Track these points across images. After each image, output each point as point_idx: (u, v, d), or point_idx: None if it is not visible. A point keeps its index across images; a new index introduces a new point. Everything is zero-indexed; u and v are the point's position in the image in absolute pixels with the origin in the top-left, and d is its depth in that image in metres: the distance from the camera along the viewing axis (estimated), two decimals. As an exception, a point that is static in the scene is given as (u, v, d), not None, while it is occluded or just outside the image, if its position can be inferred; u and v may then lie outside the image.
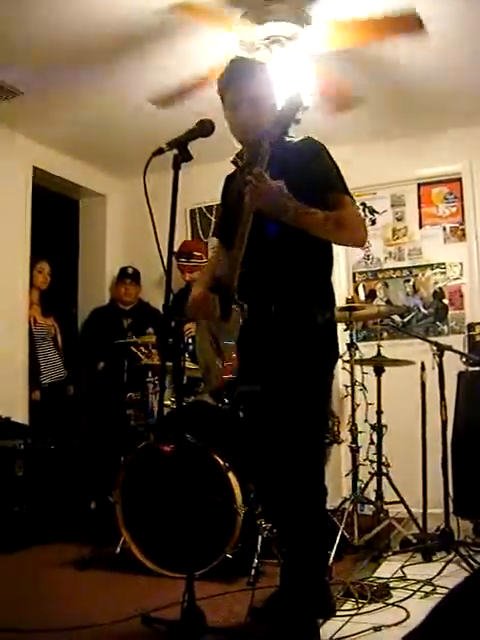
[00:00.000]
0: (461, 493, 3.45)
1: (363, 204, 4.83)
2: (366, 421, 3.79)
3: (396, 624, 2.26)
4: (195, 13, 3.03)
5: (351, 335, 3.78)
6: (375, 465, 3.70)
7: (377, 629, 2.22)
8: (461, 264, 4.56)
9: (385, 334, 4.62)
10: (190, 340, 3.42)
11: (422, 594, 2.60)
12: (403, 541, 3.38)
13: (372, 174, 4.70)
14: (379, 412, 3.76)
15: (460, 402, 3.66)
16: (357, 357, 3.76)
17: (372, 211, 4.83)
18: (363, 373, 3.87)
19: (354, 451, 3.61)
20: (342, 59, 3.46)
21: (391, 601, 2.52)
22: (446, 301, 4.58)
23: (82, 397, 5.06)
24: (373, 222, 4.82)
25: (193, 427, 3.04)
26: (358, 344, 3.87)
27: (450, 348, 3.43)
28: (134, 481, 3.15)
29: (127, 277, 5.12)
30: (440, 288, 4.61)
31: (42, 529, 3.73)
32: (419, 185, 4.72)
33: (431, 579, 2.73)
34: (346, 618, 2.34)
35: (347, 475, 3.80)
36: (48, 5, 3.12)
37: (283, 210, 2.00)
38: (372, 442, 3.74)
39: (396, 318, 4.67)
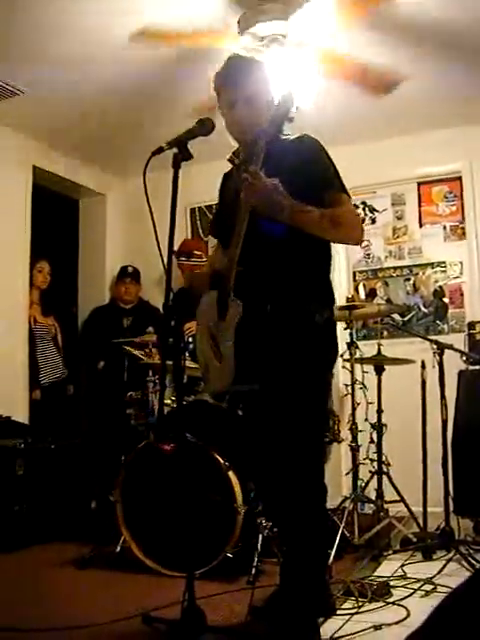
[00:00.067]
0: (461, 492, 3.45)
1: (363, 203, 4.83)
2: (366, 420, 3.79)
3: (396, 623, 2.26)
4: (194, 40, 3.04)
5: (351, 334, 3.77)
6: (375, 464, 3.71)
7: (377, 628, 2.22)
8: (461, 263, 4.56)
9: (385, 333, 4.62)
10: (190, 339, 3.42)
11: (422, 593, 2.60)
12: (403, 540, 3.38)
13: (372, 173, 4.71)
14: (379, 411, 3.76)
15: (460, 401, 3.66)
16: (357, 356, 3.77)
17: (372, 210, 4.83)
18: (363, 372, 3.88)
19: (354, 450, 3.61)
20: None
21: (391, 600, 2.53)
22: (446, 300, 4.58)
23: (82, 396, 5.06)
24: (373, 221, 4.82)
25: (193, 426, 3.04)
26: (358, 343, 3.87)
27: (450, 347, 3.43)
28: (134, 480, 3.15)
29: (127, 276, 5.12)
30: (440, 287, 4.61)
31: (42, 528, 3.73)
32: (419, 184, 4.72)
33: (431, 578, 2.74)
34: (346, 617, 2.34)
35: (347, 474, 3.80)
36: (49, 5, 3.12)
37: (278, 208, 2.00)
38: (372, 441, 3.74)
39: (396, 317, 4.66)
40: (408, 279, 4.71)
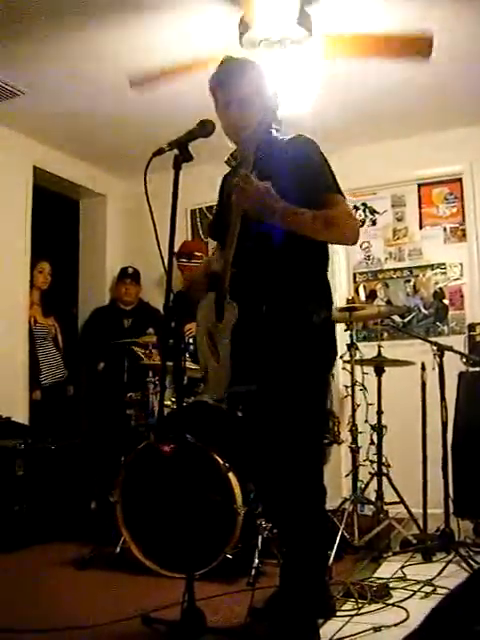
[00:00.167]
0: (461, 493, 3.45)
1: (364, 204, 4.84)
2: (366, 421, 3.79)
3: (396, 624, 2.26)
4: (192, 69, 3.03)
5: (351, 335, 3.77)
6: (375, 465, 3.70)
7: (377, 629, 2.22)
8: (461, 264, 4.56)
9: (385, 334, 4.63)
10: (190, 340, 3.42)
11: (422, 594, 2.60)
12: (403, 541, 3.38)
13: (372, 174, 4.71)
14: (379, 412, 3.76)
15: (460, 402, 3.66)
16: (357, 357, 3.76)
17: (372, 211, 4.83)
18: (363, 373, 3.88)
19: (354, 451, 3.61)
20: (342, 60, 3.45)
21: (391, 601, 2.53)
22: (446, 301, 4.58)
23: (82, 397, 5.06)
24: (373, 222, 4.83)
25: (193, 427, 3.04)
26: (358, 344, 3.87)
27: (450, 348, 3.43)
28: (134, 481, 3.15)
29: (127, 277, 5.12)
30: (440, 288, 4.61)
31: (42, 529, 3.73)
32: (419, 185, 4.72)
33: (431, 579, 2.74)
34: (346, 618, 2.35)
35: (347, 475, 3.80)
36: (49, 5, 3.12)
37: (270, 211, 1.99)
38: (372, 442, 3.74)
39: (396, 318, 4.67)
40: (408, 281, 4.71)
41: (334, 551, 3.02)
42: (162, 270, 2.05)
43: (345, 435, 3.76)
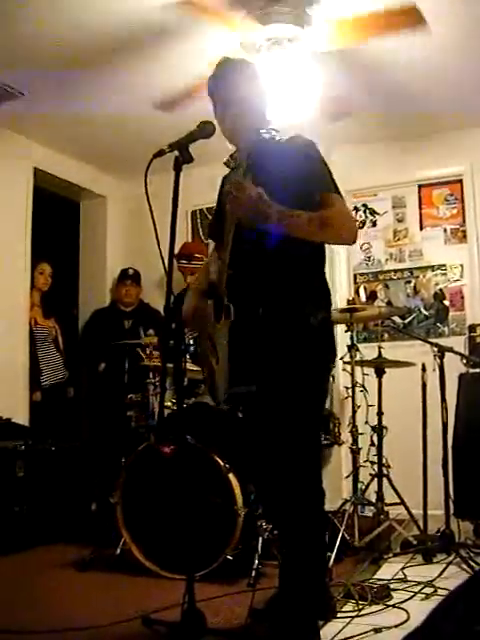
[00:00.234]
0: (462, 495, 3.45)
1: (364, 205, 4.84)
2: (367, 423, 3.79)
3: (397, 625, 2.26)
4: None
5: (352, 336, 3.77)
6: (376, 466, 3.70)
7: (378, 631, 2.22)
8: (462, 266, 4.56)
9: (386, 335, 4.62)
10: (191, 341, 3.42)
11: (423, 596, 2.60)
12: (404, 543, 3.38)
13: (373, 175, 4.72)
14: (380, 413, 3.75)
15: (461, 404, 3.66)
16: (358, 358, 3.76)
17: (373, 212, 4.83)
18: (364, 374, 3.87)
19: (355, 453, 3.61)
20: (343, 62, 3.46)
21: (392, 602, 2.53)
22: (447, 302, 4.58)
23: (83, 398, 5.06)
24: (374, 223, 4.83)
25: (193, 428, 3.04)
26: (359, 345, 3.87)
27: (451, 350, 3.43)
28: (135, 482, 3.15)
29: (128, 278, 5.12)
30: (441, 289, 4.61)
31: (43, 530, 3.74)
32: (420, 186, 4.72)
33: (432, 581, 2.74)
34: (347, 619, 2.35)
35: (348, 477, 3.80)
36: (49, 6, 3.13)
37: (263, 217, 1.98)
38: (373, 443, 3.74)
39: (397, 319, 4.67)
40: (409, 282, 4.71)
41: (334, 552, 3.02)
42: (162, 271, 2.05)
43: (345, 436, 3.76)
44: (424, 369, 3.56)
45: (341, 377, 4.22)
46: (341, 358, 3.81)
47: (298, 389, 2.10)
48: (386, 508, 3.62)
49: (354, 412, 3.67)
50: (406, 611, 2.39)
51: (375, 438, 3.73)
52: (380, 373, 3.80)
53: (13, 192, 4.53)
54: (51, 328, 4.85)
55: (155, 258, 2.05)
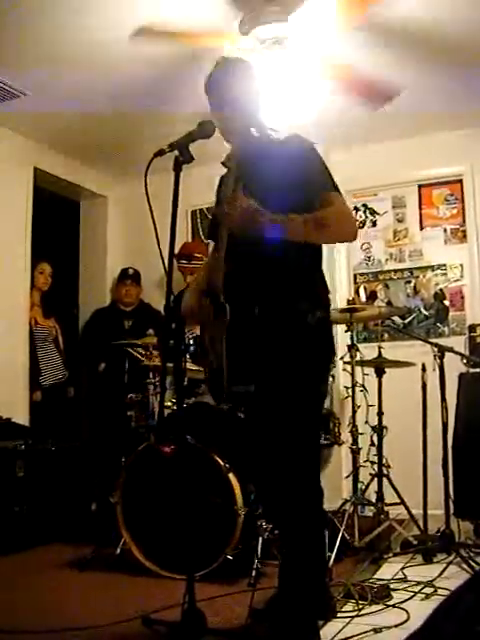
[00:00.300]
0: (462, 494, 3.45)
1: (364, 205, 4.84)
2: (367, 422, 3.79)
3: (397, 625, 2.26)
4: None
5: (352, 336, 3.77)
6: (376, 466, 3.71)
7: (378, 630, 2.22)
8: (462, 265, 4.56)
9: (386, 335, 4.63)
10: (191, 341, 3.42)
11: (423, 595, 2.60)
12: (404, 542, 3.37)
13: (373, 175, 4.72)
14: (380, 413, 3.75)
15: (461, 404, 3.66)
16: (358, 358, 3.76)
17: (373, 212, 4.83)
18: (364, 374, 3.87)
19: (355, 452, 3.61)
20: (344, 61, 3.46)
21: (392, 602, 2.53)
22: (447, 302, 4.58)
23: (83, 398, 5.06)
24: (374, 223, 4.83)
25: (194, 428, 3.04)
26: (359, 345, 3.86)
27: (451, 349, 3.43)
28: (135, 482, 3.15)
29: (128, 278, 5.12)
30: (441, 289, 4.61)
31: (43, 530, 3.74)
32: (420, 186, 4.72)
33: (432, 580, 2.74)
34: (347, 619, 2.35)
35: (348, 477, 3.80)
36: (50, 7, 3.13)
37: (258, 228, 1.99)
38: (373, 443, 3.74)
39: (397, 319, 4.67)
40: (409, 282, 4.71)
41: (334, 552, 3.02)
42: (162, 271, 2.05)
43: (345, 436, 3.76)
44: (424, 369, 3.56)
45: (341, 377, 4.22)
46: (341, 358, 3.81)
47: (295, 388, 2.09)
48: (386, 508, 3.63)
49: (354, 412, 3.67)
50: (406, 611, 2.39)
51: (375, 438, 3.73)
52: (380, 373, 3.80)
53: (13, 192, 4.53)
54: (51, 328, 4.85)
55: (155, 258, 2.05)
